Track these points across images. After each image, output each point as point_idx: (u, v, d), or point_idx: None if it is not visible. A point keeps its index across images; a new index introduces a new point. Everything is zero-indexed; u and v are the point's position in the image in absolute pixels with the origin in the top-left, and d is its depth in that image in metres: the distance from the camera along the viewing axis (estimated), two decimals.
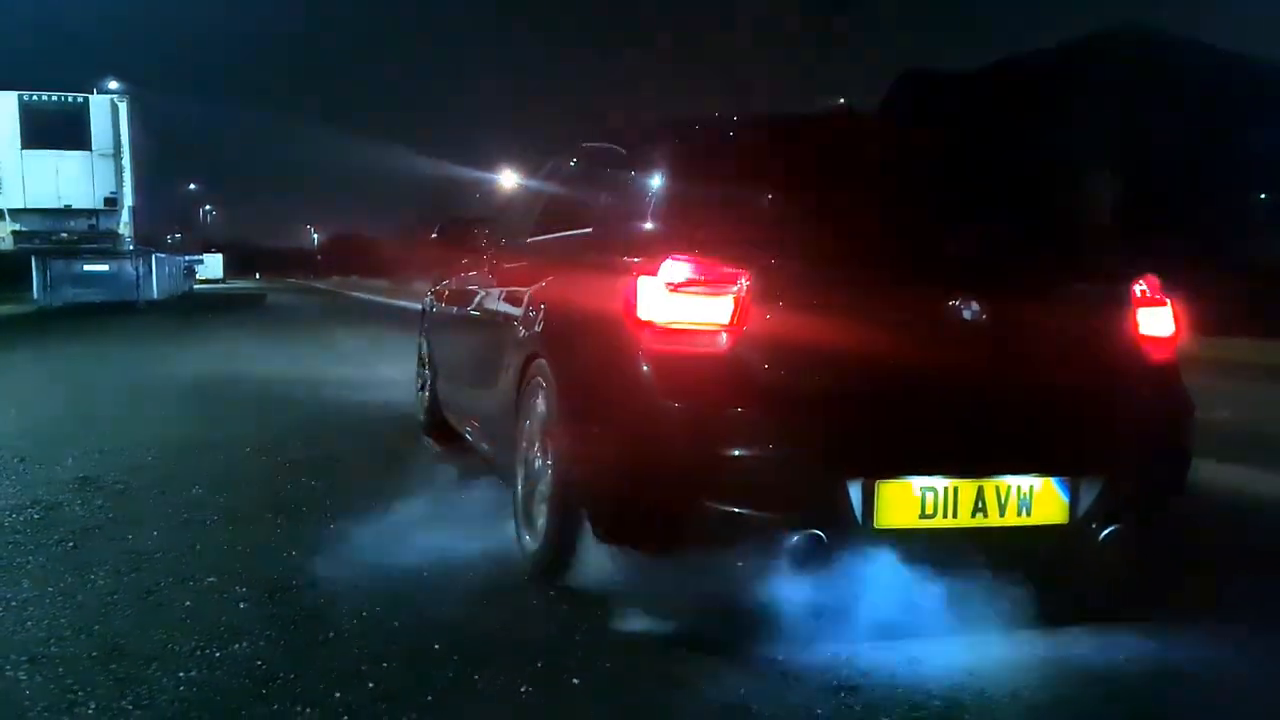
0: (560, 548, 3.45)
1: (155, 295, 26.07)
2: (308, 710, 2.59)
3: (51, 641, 3.04)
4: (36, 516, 4.52)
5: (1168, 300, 3.45)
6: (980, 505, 2.99)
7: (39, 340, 15.70)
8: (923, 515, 2.95)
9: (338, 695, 2.69)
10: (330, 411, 8.00)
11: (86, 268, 23.09)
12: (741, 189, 3.53)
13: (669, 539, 3.11)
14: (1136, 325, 3.36)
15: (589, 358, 3.41)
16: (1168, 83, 20.76)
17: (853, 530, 2.91)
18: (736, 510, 2.91)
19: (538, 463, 3.72)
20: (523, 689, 2.76)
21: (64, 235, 21.67)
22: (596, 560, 3.37)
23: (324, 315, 27.34)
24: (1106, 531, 3.11)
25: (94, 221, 21.69)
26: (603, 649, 3.06)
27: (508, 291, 4.59)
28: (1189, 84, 21.29)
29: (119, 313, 23.01)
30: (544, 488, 3.60)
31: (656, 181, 3.63)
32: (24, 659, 2.89)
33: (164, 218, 29.41)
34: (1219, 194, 21.37)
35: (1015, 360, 3.12)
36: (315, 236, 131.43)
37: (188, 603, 3.41)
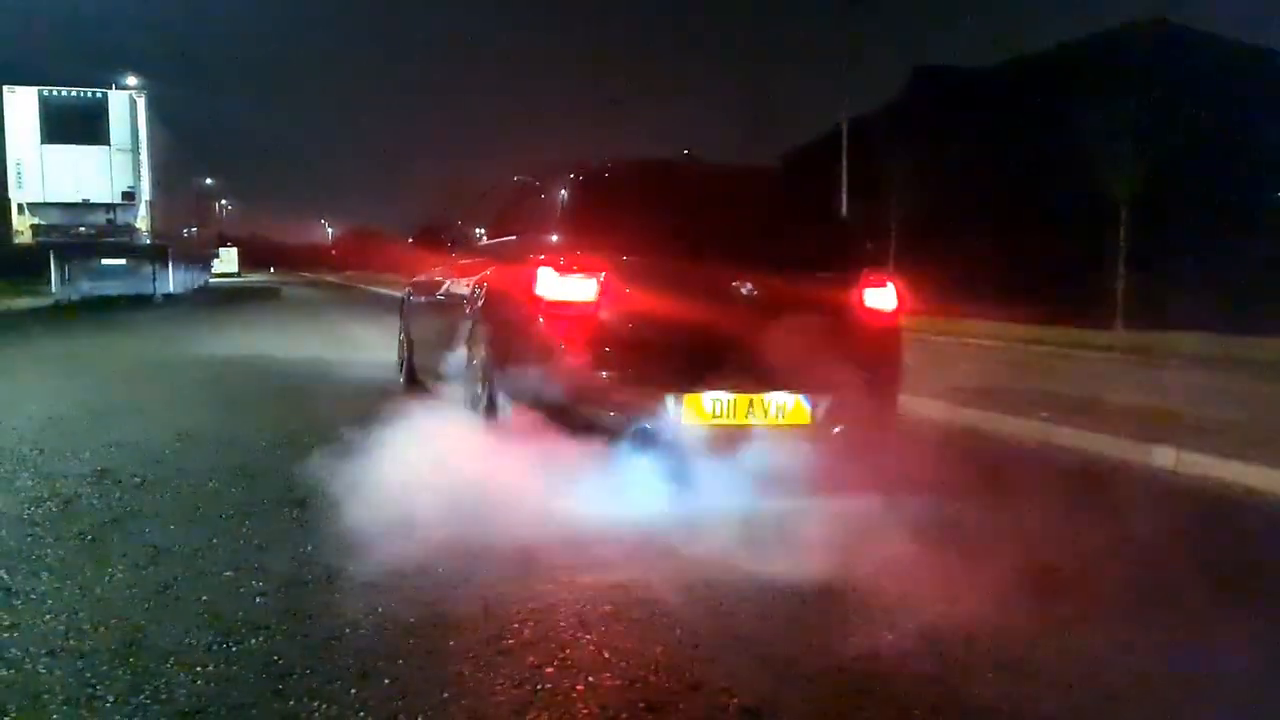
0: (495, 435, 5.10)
1: (171, 289, 26.17)
2: (324, 706, 2.61)
3: (70, 635, 3.06)
4: (55, 509, 4.56)
5: (889, 283, 5.21)
6: (751, 411, 4.71)
7: (57, 333, 15.80)
8: (714, 416, 4.68)
9: (353, 692, 2.70)
10: (340, 397, 8.04)
11: (104, 261, 23.18)
12: (609, 210, 5.20)
13: (559, 432, 4.63)
14: (863, 300, 5.11)
15: (509, 321, 5.19)
16: (1189, 77, 20.61)
17: (669, 425, 4.64)
18: (599, 412, 4.69)
19: (478, 389, 5.55)
20: (538, 687, 2.77)
21: (82, 229, 21.76)
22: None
23: (335, 308, 27.42)
24: (835, 430, 4.90)
25: (112, 216, 21.78)
26: (618, 652, 3.08)
27: (462, 281, 6.45)
28: (1211, 78, 21.14)
29: (136, 306, 23.13)
30: (482, 407, 5.46)
31: (555, 205, 5.45)
32: (44, 652, 2.92)
33: (181, 212, 29.49)
34: (1239, 190, 21.21)
35: (777, 321, 4.62)
36: (330, 231, 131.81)
37: (205, 597, 3.44)
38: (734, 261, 4.88)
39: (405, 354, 8.76)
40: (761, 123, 37.07)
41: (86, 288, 23.83)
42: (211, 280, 47.31)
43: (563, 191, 5.43)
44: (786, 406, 4.77)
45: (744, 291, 4.79)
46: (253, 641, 3.04)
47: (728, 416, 4.67)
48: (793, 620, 3.35)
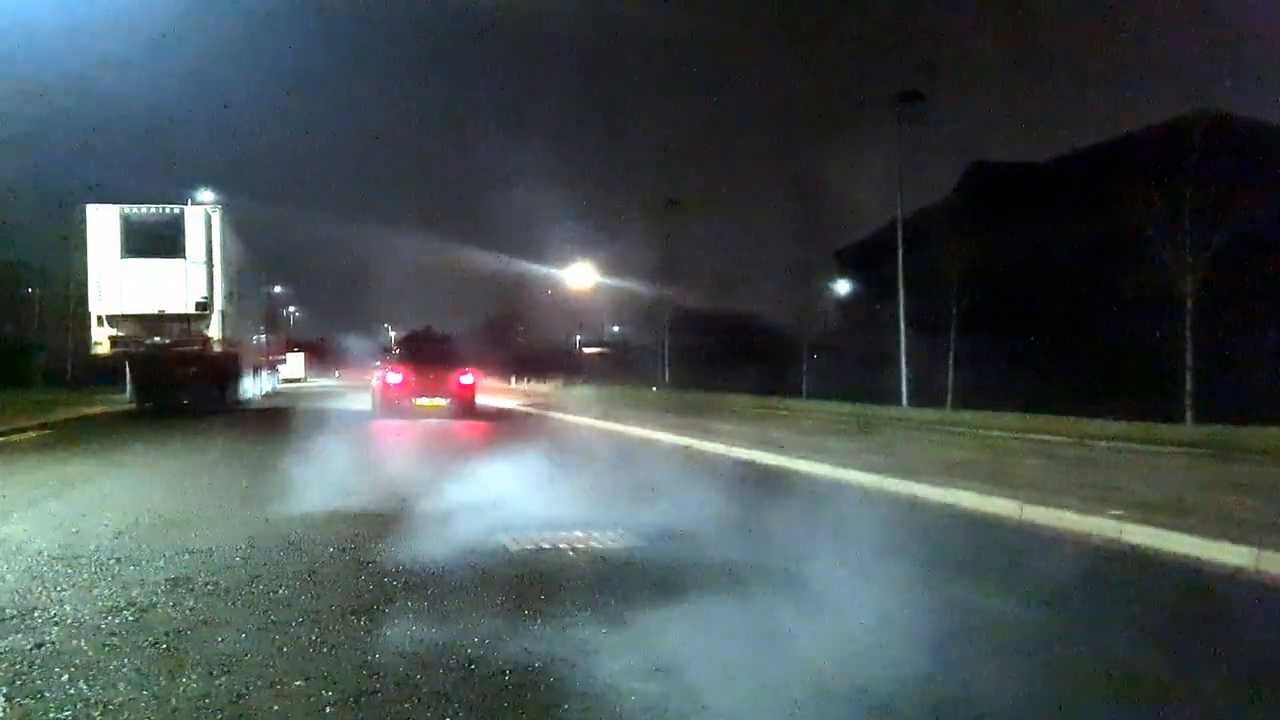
0: (380, 414, 21.67)
1: (241, 395, 26.90)
2: None
3: None
4: (131, 619, 4.66)
5: (469, 372, 22.49)
6: (432, 403, 21.28)
7: (132, 440, 16.23)
8: (422, 405, 21.20)
9: None
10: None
11: (177, 370, 23.93)
12: (405, 350, 24.68)
13: (393, 413, 21.16)
14: (460, 377, 21.97)
15: (381, 384, 22.11)
16: (1247, 167, 20.46)
17: (412, 406, 21.19)
18: (400, 406, 21.26)
19: (375, 405, 22.91)
20: None
21: (157, 339, 22.54)
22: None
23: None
24: (451, 409, 21.28)
25: (186, 325, 22.55)
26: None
27: (379, 371, 23.43)
28: (1269, 166, 20.96)
29: (207, 412, 23.76)
30: (376, 411, 22.51)
31: (394, 349, 26.54)
32: None
33: (251, 320, 30.41)
34: None
35: (440, 379, 21.56)
36: (393, 335, 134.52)
37: (276, 707, 3.48)
38: (431, 364, 21.92)
39: (371, 400, 23.21)
40: (815, 223, 37.16)
41: (160, 396, 24.56)
42: (279, 385, 48.35)
43: (397, 345, 27.60)
44: (440, 402, 21.15)
45: (432, 376, 21.46)
46: None
47: (426, 405, 21.00)
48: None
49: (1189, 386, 20.16)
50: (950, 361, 28.12)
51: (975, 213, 28.13)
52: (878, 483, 10.17)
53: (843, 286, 42.89)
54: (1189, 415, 19.83)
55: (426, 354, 23.18)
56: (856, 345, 36.49)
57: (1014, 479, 9.77)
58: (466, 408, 21.52)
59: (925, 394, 28.25)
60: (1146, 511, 7.55)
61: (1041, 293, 27.74)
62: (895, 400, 28.56)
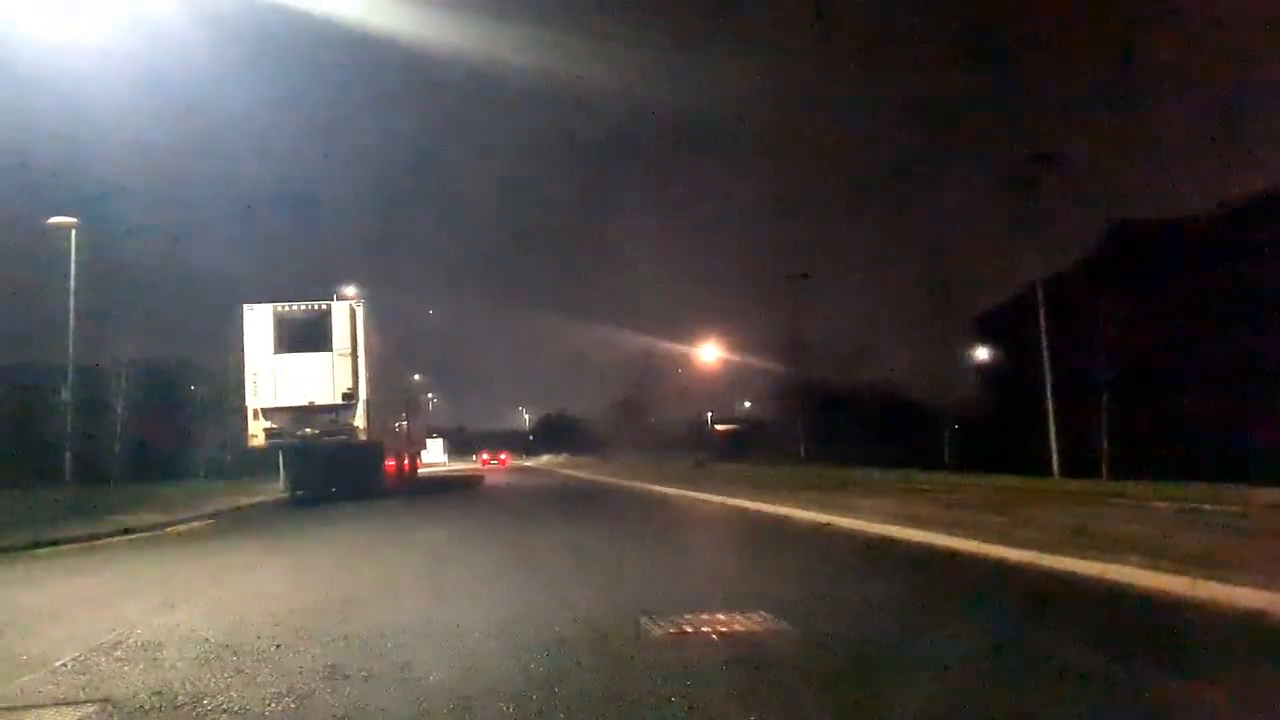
0: (482, 472, 57.63)
1: (387, 481, 27.71)
2: None
3: None
4: (293, 705, 4.79)
5: (506, 454, 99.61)
6: (494, 464, 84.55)
7: (284, 529, 16.87)
8: (492, 465, 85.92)
9: None
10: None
11: (327, 458, 24.89)
12: (486, 448, 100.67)
13: (487, 471, 62.53)
14: (502, 454, 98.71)
15: (480, 459, 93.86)
16: None
17: (492, 466, 79.23)
18: (489, 466, 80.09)
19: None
20: None
21: (308, 430, 23.53)
22: None
23: (542, 504, 28.15)
24: (501, 467, 76.99)
25: (334, 415, 23.50)
26: None
27: (480, 456, 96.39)
28: None
29: (355, 497, 24.57)
30: None
31: (482, 449, 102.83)
32: None
33: (393, 408, 31.48)
34: None
35: (497, 456, 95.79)
36: (527, 417, 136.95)
37: None
38: (495, 452, 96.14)
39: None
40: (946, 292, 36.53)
41: (311, 484, 25.55)
42: (421, 470, 49.70)
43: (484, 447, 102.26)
44: (496, 465, 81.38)
45: (496, 456, 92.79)
46: None
47: (494, 465, 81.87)
48: None
49: None
50: (1104, 429, 26.80)
51: (1120, 272, 27.07)
52: (1033, 559, 9.69)
53: (982, 353, 41.61)
54: None
55: (493, 448, 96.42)
56: (1000, 414, 35.26)
57: (1185, 553, 9.16)
58: (504, 466, 77.01)
59: (1077, 463, 26.95)
60: None
61: (1200, 353, 26.33)
62: (1044, 470, 27.31)
